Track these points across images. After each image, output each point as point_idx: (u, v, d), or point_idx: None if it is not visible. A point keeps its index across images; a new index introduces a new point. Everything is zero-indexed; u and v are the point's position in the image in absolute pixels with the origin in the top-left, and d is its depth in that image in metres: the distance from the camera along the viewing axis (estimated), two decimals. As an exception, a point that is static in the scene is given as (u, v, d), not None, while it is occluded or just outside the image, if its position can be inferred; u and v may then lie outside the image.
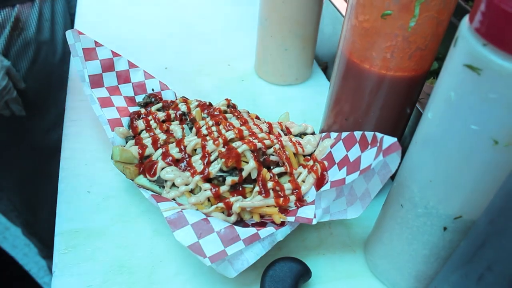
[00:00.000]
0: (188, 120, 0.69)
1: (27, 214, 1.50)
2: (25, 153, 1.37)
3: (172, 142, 0.65)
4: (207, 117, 0.68)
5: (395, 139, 0.47)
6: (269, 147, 0.63)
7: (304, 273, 0.57)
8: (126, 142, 0.69)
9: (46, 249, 1.64)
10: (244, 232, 0.55)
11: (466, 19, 0.38)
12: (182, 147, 0.63)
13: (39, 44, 1.25)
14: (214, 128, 0.65)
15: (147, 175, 0.63)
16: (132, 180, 0.64)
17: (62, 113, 1.38)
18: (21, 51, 1.18)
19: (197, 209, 0.59)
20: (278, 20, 0.85)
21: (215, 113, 0.69)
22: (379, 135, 0.52)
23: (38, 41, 1.24)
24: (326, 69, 1.02)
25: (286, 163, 0.62)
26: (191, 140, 0.63)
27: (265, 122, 0.71)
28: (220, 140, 0.62)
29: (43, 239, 1.60)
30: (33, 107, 1.29)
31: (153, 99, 0.76)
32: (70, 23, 1.35)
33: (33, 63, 1.24)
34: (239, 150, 0.59)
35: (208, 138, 0.63)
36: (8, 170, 1.37)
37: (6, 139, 1.30)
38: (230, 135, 0.62)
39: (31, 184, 1.44)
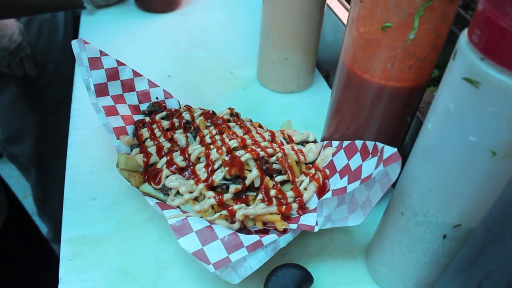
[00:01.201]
0: (192, 128, 0.70)
1: (38, 191, 1.53)
2: (32, 132, 1.40)
3: (176, 151, 0.66)
4: (211, 125, 0.69)
5: (395, 149, 0.48)
6: (271, 155, 0.64)
7: (306, 279, 0.57)
8: (131, 150, 0.70)
9: (56, 231, 1.65)
10: (248, 239, 0.56)
11: (464, 33, 0.39)
12: (186, 155, 0.64)
13: (42, 21, 1.27)
14: (217, 137, 0.65)
15: (151, 183, 0.64)
16: (137, 188, 0.65)
17: (66, 93, 1.40)
18: (26, 27, 1.21)
19: (201, 217, 0.60)
20: (279, 33, 0.87)
21: (219, 122, 0.70)
22: (379, 145, 0.53)
23: (41, 19, 1.27)
24: (328, 76, 1.03)
25: (288, 171, 0.63)
26: (195, 149, 0.64)
27: (267, 130, 0.72)
28: (224, 148, 0.63)
29: (53, 220, 1.62)
30: (39, 82, 1.32)
31: (157, 108, 0.77)
32: None
33: (37, 39, 1.27)
34: (242, 158, 0.60)
35: (211, 146, 0.64)
36: (19, 146, 1.40)
37: (15, 114, 1.34)
38: (233, 143, 0.63)
39: (39, 163, 1.47)
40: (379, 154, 0.52)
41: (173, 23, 1.20)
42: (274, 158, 0.63)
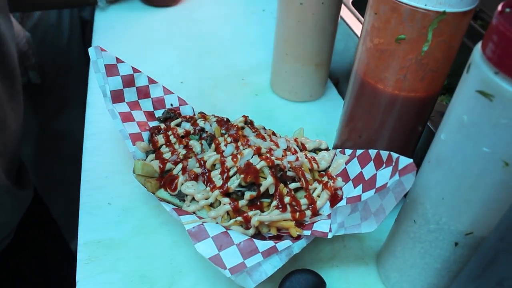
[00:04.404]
0: (206, 135, 0.71)
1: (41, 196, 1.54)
2: (32, 135, 1.42)
3: (191, 157, 0.67)
4: (226, 133, 0.70)
5: (411, 160, 0.49)
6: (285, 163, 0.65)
7: (319, 284, 0.58)
8: (146, 156, 0.72)
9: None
10: (263, 245, 0.57)
11: (478, 47, 0.40)
12: (201, 162, 0.65)
13: (46, 27, 1.30)
14: (232, 145, 0.67)
15: (168, 189, 0.65)
16: (153, 194, 0.66)
17: (69, 97, 1.42)
18: (30, 33, 1.23)
19: (217, 223, 0.61)
20: (293, 46, 0.89)
21: (233, 130, 0.71)
22: (394, 155, 0.54)
23: (46, 25, 1.29)
24: (338, 83, 1.04)
25: (302, 179, 0.64)
26: (210, 156, 0.65)
27: (281, 137, 0.73)
28: (239, 156, 0.64)
29: (58, 221, 1.64)
30: (41, 87, 1.34)
31: (172, 114, 0.78)
32: (77, 11, 1.40)
33: (41, 44, 1.29)
34: (258, 166, 0.61)
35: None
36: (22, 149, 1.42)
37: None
38: (248, 153, 0.64)
39: (39, 166, 1.48)
40: (393, 164, 0.53)
41: (185, 29, 1.22)
42: (288, 165, 0.64)
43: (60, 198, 1.54)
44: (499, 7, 0.38)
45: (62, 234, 1.45)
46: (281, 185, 0.62)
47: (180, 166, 0.66)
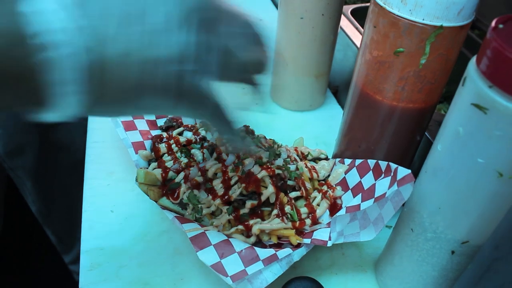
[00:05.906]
0: (208, 144, 0.72)
1: (40, 204, 1.54)
2: (33, 144, 1.42)
3: (193, 166, 0.68)
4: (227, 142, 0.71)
5: (409, 171, 0.51)
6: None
7: (318, 292, 0.59)
8: (149, 165, 0.73)
9: (60, 243, 1.67)
10: (263, 253, 0.58)
11: (473, 61, 0.41)
12: (203, 171, 0.66)
13: None
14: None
15: (170, 197, 0.66)
16: (156, 202, 0.67)
17: None
18: None
19: (218, 231, 0.62)
20: (293, 56, 0.90)
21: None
22: (393, 165, 0.55)
23: None
24: (337, 92, 1.06)
25: (302, 188, 0.65)
26: (212, 165, 0.66)
27: (281, 146, 0.74)
28: (240, 166, 0.65)
29: (57, 232, 1.64)
30: None
31: (174, 123, 0.79)
32: None
33: None
34: (259, 175, 0.62)
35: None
36: (20, 159, 1.42)
37: (16, 127, 1.36)
38: (249, 162, 0.65)
39: (41, 175, 1.48)
40: (392, 174, 0.54)
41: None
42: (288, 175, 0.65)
43: (61, 207, 1.54)
44: (493, 23, 0.39)
45: (56, 248, 1.45)
46: (282, 194, 0.63)
47: (182, 174, 0.67)
